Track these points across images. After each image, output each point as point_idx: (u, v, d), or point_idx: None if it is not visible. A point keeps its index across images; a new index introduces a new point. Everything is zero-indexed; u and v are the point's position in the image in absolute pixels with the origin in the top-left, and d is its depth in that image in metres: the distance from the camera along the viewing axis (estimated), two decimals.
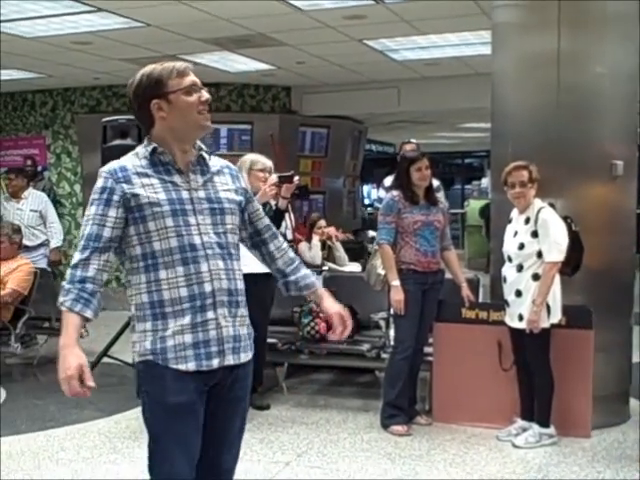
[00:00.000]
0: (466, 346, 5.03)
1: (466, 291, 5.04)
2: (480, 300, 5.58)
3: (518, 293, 4.55)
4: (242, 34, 7.25)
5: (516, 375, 4.77)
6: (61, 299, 2.34)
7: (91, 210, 2.41)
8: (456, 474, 4.23)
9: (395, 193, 4.99)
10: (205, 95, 2.43)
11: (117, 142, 5.98)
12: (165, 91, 2.40)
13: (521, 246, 4.55)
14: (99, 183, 2.43)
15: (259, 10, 6.41)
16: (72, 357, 2.28)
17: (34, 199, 7.69)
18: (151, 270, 2.38)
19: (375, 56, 8.42)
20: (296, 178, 5.04)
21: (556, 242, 4.46)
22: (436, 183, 5.98)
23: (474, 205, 13.50)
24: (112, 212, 2.38)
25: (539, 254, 4.48)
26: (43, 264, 7.25)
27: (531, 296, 4.48)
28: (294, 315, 5.75)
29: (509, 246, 4.64)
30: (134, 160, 2.45)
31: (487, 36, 6.26)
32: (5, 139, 10.64)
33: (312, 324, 5.60)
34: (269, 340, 5.53)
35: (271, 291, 5.35)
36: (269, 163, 5.39)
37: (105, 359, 6.10)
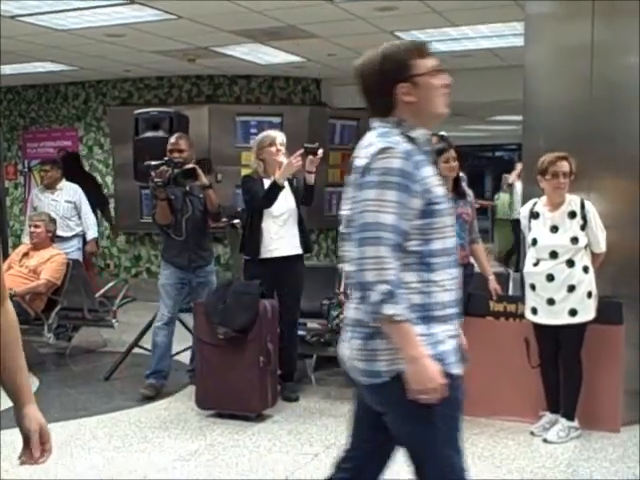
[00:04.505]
0: (495, 340, 4.99)
1: (493, 284, 5.01)
2: (510, 294, 5.55)
3: (571, 288, 4.49)
4: (273, 26, 7.25)
5: (540, 370, 4.73)
6: (392, 310, 2.06)
7: (387, 195, 2.08)
8: (484, 468, 4.21)
9: None
10: (448, 77, 2.23)
11: (149, 134, 6.05)
12: (412, 73, 2.20)
13: (575, 240, 4.49)
14: (396, 163, 2.10)
15: (290, 2, 6.41)
16: (434, 366, 2.12)
17: (68, 190, 7.72)
18: (424, 269, 2.19)
19: None
20: (320, 150, 4.92)
21: (603, 231, 4.55)
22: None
23: (504, 198, 13.37)
24: (414, 203, 2.10)
25: (585, 246, 4.53)
26: (76, 255, 7.32)
27: (584, 289, 4.47)
28: (323, 308, 5.76)
29: (553, 241, 4.53)
30: (406, 145, 2.16)
31: (520, 28, 6.21)
32: (39, 131, 10.77)
33: (341, 316, 5.59)
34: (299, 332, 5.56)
35: (301, 270, 5.38)
36: (278, 134, 5.31)
37: (136, 349, 6.15)
